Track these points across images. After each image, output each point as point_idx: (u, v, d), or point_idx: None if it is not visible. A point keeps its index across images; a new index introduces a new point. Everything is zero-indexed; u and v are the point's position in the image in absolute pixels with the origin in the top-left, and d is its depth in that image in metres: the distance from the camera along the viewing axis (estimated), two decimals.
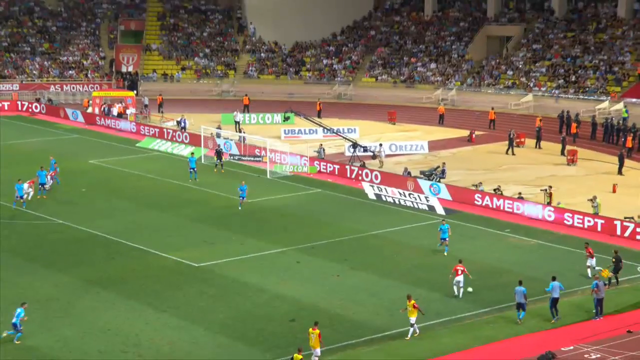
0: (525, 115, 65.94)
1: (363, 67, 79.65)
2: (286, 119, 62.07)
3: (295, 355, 24.28)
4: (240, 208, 40.97)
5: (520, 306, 28.69)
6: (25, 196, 41.62)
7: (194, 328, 27.78)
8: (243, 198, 41.41)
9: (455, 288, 30.61)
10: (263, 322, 28.31)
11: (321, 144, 54.76)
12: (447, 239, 35.54)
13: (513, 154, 55.49)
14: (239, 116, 64.53)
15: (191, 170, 47.06)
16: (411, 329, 27.09)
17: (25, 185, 42.00)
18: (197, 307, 29.53)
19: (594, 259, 33.00)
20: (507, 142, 56.47)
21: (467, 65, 75.58)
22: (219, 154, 50.75)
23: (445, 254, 34.88)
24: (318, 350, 25.25)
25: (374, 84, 77.02)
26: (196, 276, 32.50)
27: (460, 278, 30.47)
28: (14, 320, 26.27)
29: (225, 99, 77.84)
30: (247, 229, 38.77)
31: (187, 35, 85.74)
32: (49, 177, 43.94)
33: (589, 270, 32.77)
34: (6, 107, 71.48)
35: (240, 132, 58.59)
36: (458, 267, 30.64)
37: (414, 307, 26.86)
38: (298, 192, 45.97)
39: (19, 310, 26.47)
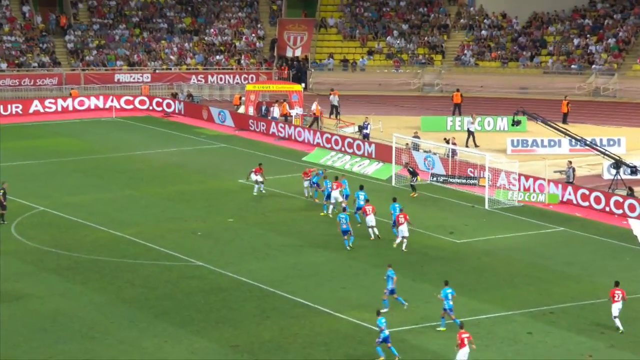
0: None
1: (635, 48, 77.48)
2: (515, 123, 61.43)
3: None
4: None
5: None
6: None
7: None
8: None
9: None
10: None
11: (569, 162, 53.61)
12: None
13: None
14: (474, 125, 63.68)
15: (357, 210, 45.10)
16: None
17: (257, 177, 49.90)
18: None
19: None
20: None
21: None
22: (413, 173, 51.20)
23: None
24: None
25: None
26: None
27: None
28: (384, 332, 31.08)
29: (428, 96, 78.09)
30: (455, 281, 38.46)
31: (377, 5, 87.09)
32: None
33: None
34: (134, 105, 75.46)
35: (465, 145, 58.10)
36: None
37: None
38: (531, 231, 45.23)
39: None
